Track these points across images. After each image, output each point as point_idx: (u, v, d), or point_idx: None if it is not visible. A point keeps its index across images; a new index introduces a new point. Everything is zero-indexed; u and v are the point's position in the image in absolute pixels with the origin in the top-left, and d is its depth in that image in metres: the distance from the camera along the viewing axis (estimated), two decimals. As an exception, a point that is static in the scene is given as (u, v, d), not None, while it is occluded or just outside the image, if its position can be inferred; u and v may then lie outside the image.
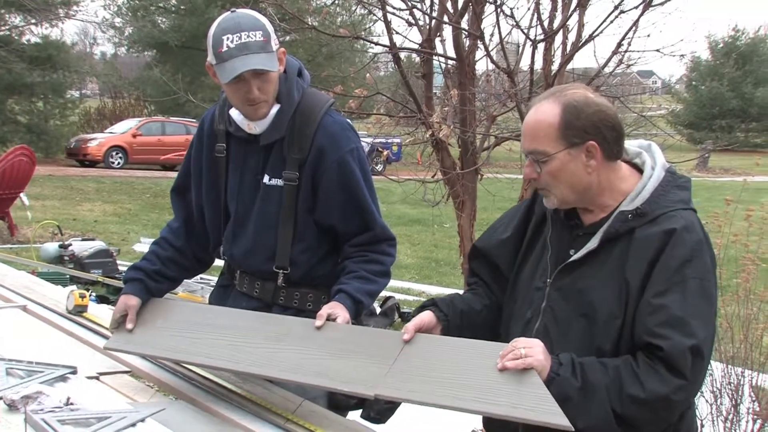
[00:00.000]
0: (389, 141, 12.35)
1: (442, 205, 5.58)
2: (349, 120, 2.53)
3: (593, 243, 1.91)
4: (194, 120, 23.48)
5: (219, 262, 2.68)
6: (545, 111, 1.90)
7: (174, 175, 2.72)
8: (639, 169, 1.99)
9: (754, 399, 3.81)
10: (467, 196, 5.02)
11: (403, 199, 11.52)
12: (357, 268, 2.39)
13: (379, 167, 14.21)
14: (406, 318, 6.16)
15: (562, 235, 2.00)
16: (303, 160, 2.38)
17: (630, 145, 1.99)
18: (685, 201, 1.93)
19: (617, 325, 1.86)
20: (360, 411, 2.37)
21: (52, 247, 7.83)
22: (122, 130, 23.22)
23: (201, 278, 6.97)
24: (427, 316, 2.06)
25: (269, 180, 2.42)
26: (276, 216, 2.41)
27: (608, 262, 1.89)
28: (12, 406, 1.86)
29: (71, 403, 1.89)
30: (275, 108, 2.37)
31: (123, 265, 7.72)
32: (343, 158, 2.38)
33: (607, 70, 5.19)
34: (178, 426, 1.93)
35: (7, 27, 22.70)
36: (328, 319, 2.19)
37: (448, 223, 12.65)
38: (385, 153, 9.19)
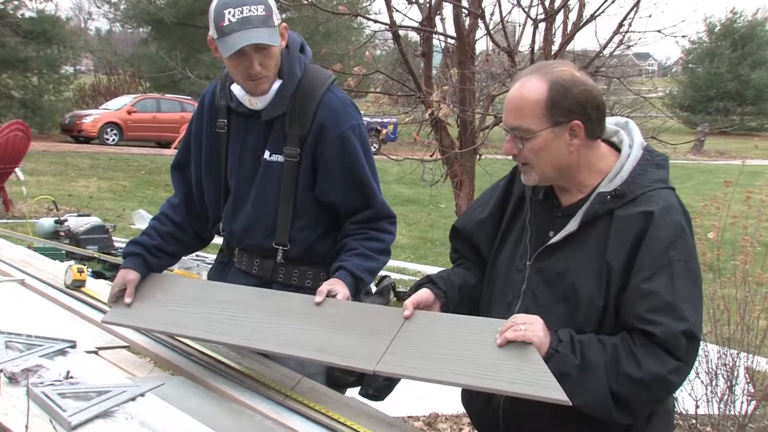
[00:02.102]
0: (385, 121, 12.33)
1: (438, 184, 5.58)
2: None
3: (572, 225, 1.91)
4: (190, 97, 23.42)
5: (218, 239, 2.68)
6: (531, 87, 1.88)
7: (169, 152, 2.71)
8: (616, 148, 1.98)
9: (749, 381, 3.84)
10: (465, 176, 5.02)
11: (399, 178, 11.51)
12: (357, 246, 2.39)
13: (374, 147, 14.14)
14: (401, 297, 6.18)
15: (541, 216, 2.00)
16: (304, 136, 2.37)
17: (607, 122, 1.97)
18: (663, 180, 1.92)
19: (598, 309, 1.85)
20: (358, 388, 2.39)
21: (47, 222, 7.78)
22: (117, 106, 23.11)
23: (197, 255, 6.95)
24: (425, 294, 2.06)
25: (270, 156, 2.41)
26: (276, 192, 2.41)
27: (588, 244, 1.89)
28: (12, 379, 1.86)
29: (71, 377, 1.89)
30: (277, 83, 2.36)
31: (119, 241, 7.69)
32: (344, 134, 2.38)
33: (606, 51, 5.17)
34: (176, 401, 1.93)
35: (2, 1, 22.51)
36: (327, 296, 2.19)
37: (444, 203, 12.66)
38: (384, 131, 9.16)
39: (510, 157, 1.98)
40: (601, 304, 1.85)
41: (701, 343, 1.89)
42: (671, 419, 2.03)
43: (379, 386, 2.36)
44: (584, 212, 1.90)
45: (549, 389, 1.73)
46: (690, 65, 38.95)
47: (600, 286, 1.85)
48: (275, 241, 2.43)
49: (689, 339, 1.79)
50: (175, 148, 18.19)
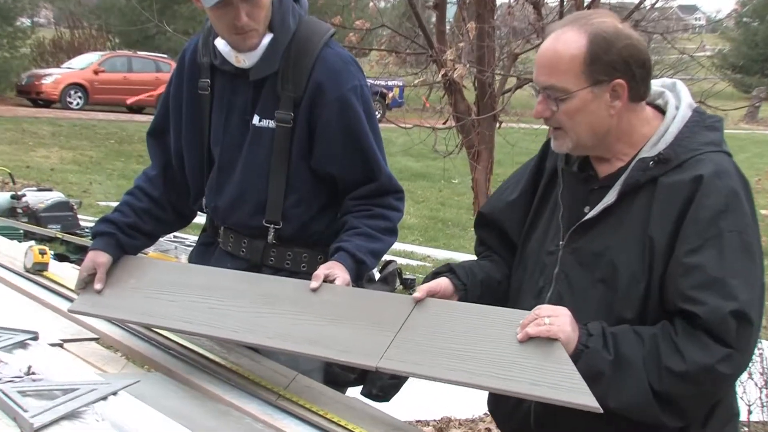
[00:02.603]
0: (390, 84, 12.31)
1: (451, 157, 5.57)
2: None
3: (610, 197, 1.91)
4: (166, 55, 23.36)
5: (200, 218, 2.70)
6: (569, 41, 1.87)
7: (142, 118, 2.73)
8: (662, 111, 1.97)
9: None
10: (483, 146, 5.02)
11: (406, 150, 11.47)
12: (359, 224, 2.40)
13: (378, 114, 14.05)
14: (409, 285, 6.22)
15: (575, 190, 2.00)
16: (299, 99, 2.38)
17: (653, 84, 1.97)
18: (716, 143, 1.90)
19: (641, 291, 1.86)
20: (361, 387, 2.41)
21: (2, 197, 7.79)
22: (82, 65, 23.06)
23: (175, 237, 6.98)
24: (443, 283, 2.07)
25: (259, 121, 2.41)
26: (266, 163, 2.42)
27: (629, 218, 1.89)
28: (-35, 375, 1.86)
29: (33, 373, 1.90)
30: (267, 38, 2.36)
31: (85, 220, 7.71)
32: (344, 96, 2.38)
33: (647, 2, 5.14)
34: (154, 400, 1.94)
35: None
36: (325, 281, 2.20)
37: (458, 178, 12.63)
38: (390, 95, 9.12)
39: (537, 124, 2.01)
40: (643, 285, 1.85)
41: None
42: (735, 424, 2.01)
43: (384, 385, 2.38)
44: (623, 181, 1.90)
45: (576, 393, 1.73)
46: (745, 19, 38.55)
47: (642, 266, 1.85)
48: (266, 219, 2.44)
49: (740, 321, 1.75)
50: (148, 113, 18.13)
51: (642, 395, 1.78)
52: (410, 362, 1.92)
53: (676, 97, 1.97)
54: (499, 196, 2.20)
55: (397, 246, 8.68)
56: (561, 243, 1.98)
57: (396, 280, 2.68)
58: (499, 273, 2.17)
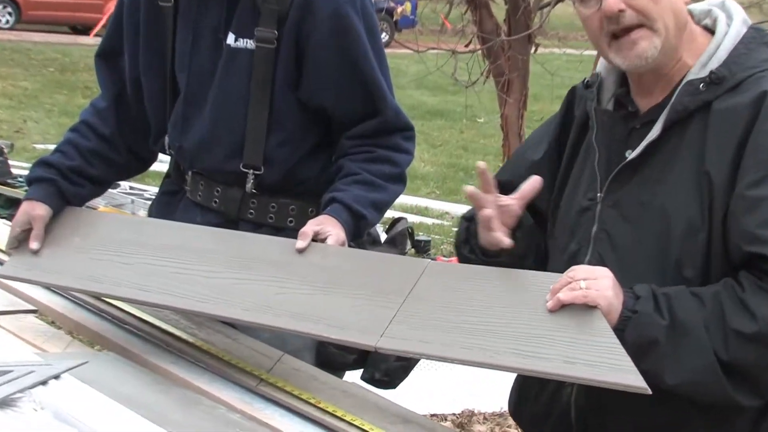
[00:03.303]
0: (397, -1, 12.20)
1: (475, 89, 5.54)
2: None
3: (655, 131, 1.94)
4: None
5: (161, 165, 2.74)
6: None
7: (90, 41, 2.72)
8: (710, 32, 2.01)
9: None
10: (515, 74, 5.00)
11: (419, 80, 11.39)
12: (359, 169, 2.42)
13: (385, 37, 14.05)
14: (422, 249, 6.22)
15: (613, 132, 2.04)
16: (284, 13, 2.38)
17: (696, 5, 2.01)
18: None
19: (701, 243, 1.88)
20: (361, 371, 2.46)
21: None
22: (12, -28, 22.85)
23: (131, 188, 6.98)
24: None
25: (235, 41, 2.42)
26: (244, 92, 2.43)
27: (679, 155, 1.92)
28: None
29: (-45, 352, 1.92)
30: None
31: (18, 167, 7.71)
32: (340, 10, 2.39)
33: None
34: (105, 386, 1.95)
35: None
36: (315, 240, 2.22)
37: (484, 115, 12.59)
38: (400, 10, 9.02)
39: (583, 48, 2.02)
40: (703, 236, 1.87)
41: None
42: None
43: (390, 368, 2.42)
44: (669, 109, 1.92)
45: (620, 371, 1.74)
46: None
47: (700, 211, 1.88)
48: (243, 163, 2.45)
49: None
50: (97, 35, 18.02)
51: (706, 366, 1.79)
52: (417, 340, 1.94)
53: (727, 14, 1.99)
54: (518, 160, 2.24)
55: (408, 200, 8.69)
56: (599, 195, 2.01)
57: (406, 242, 2.70)
58: (540, 235, 2.20)
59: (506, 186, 2.15)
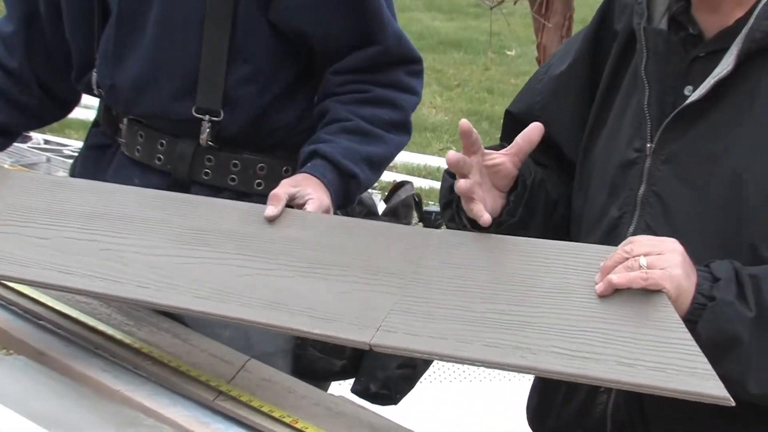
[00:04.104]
0: None
1: (503, 11, 5.54)
2: None
3: (725, 65, 1.96)
4: None
5: (86, 113, 2.77)
6: None
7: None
8: None
9: None
10: (556, -8, 5.01)
11: (429, 2, 11.35)
12: (349, 114, 2.45)
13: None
14: (433, 221, 6.25)
15: (668, 60, 2.06)
16: None
17: None
18: None
19: None
20: (352, 382, 2.50)
21: None
22: None
23: (46, 141, 6.96)
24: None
25: (184, -57, 2.43)
26: (197, 13, 2.44)
27: (758, 97, 1.94)
28: None
29: None
30: None
31: None
32: None
33: None
34: (13, 398, 1.96)
35: None
36: (290, 206, 2.25)
37: (515, 47, 12.59)
38: None
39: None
40: None
41: None
42: None
43: (390, 377, 2.45)
44: (746, 36, 1.93)
45: (692, 376, 1.72)
46: None
47: None
48: (197, 105, 2.47)
49: None
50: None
51: None
52: (426, 335, 1.92)
53: None
54: (537, 83, 2.29)
55: (414, 158, 8.72)
56: (649, 146, 2.04)
57: (411, 214, 2.77)
58: (555, 191, 2.24)
59: (519, 120, 2.23)
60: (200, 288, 2.11)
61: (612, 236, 2.03)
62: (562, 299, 1.90)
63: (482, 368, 2.11)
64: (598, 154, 2.16)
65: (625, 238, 1.96)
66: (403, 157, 6.75)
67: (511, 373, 1.96)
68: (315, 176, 2.35)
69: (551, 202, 2.22)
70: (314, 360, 2.45)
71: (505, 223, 2.11)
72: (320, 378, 2.44)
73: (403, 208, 2.67)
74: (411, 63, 2.54)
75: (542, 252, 2.02)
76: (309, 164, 2.38)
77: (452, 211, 2.19)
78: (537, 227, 2.17)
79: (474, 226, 2.10)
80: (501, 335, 1.87)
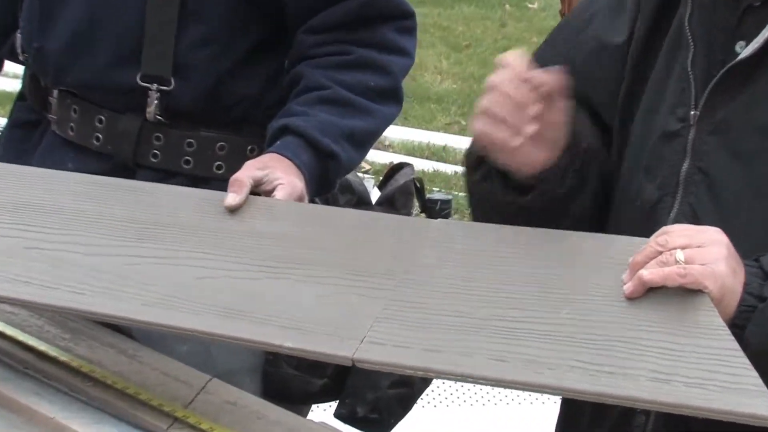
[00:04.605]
0: None
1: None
2: None
3: None
4: None
5: (9, 83, 2.72)
6: None
7: None
8: None
9: None
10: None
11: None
12: (326, 80, 2.47)
13: None
14: (438, 211, 6.29)
15: (716, 13, 2.07)
16: None
17: None
18: None
19: None
20: (335, 405, 2.48)
21: None
22: None
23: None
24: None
25: None
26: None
27: None
28: None
29: None
30: None
31: None
32: None
33: None
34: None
35: None
36: (256, 192, 2.25)
37: (537, -2, 12.70)
38: None
39: None
40: None
41: None
42: None
43: (380, 399, 2.43)
44: None
45: (741, 394, 1.70)
46: None
47: None
48: (142, 72, 2.48)
49: None
50: None
51: None
52: (418, 348, 1.89)
53: None
54: (561, 37, 2.31)
55: (415, 135, 8.73)
56: (693, 114, 2.06)
57: (412, 202, 2.78)
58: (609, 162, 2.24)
59: None
60: (148, 294, 2.09)
61: (650, 222, 2.01)
62: (585, 302, 1.89)
63: (489, 387, 2.08)
64: (636, 124, 2.16)
65: (665, 224, 1.97)
66: (402, 133, 6.76)
67: (524, 393, 1.92)
68: (286, 156, 2.35)
69: (606, 173, 2.22)
70: (289, 379, 2.44)
71: (549, 193, 2.07)
72: (297, 400, 2.44)
73: (402, 195, 2.68)
74: (401, 18, 2.53)
75: (560, 246, 2.02)
76: (279, 142, 2.39)
77: (484, 169, 2.15)
78: (585, 204, 2.16)
79: (509, 184, 2.09)
80: (511, 347, 1.84)
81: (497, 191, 2.12)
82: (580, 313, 1.86)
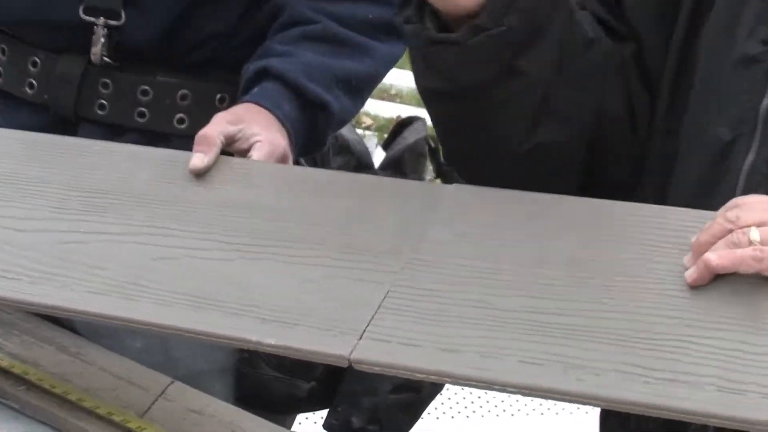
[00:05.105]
0: None
1: None
2: None
3: None
4: None
5: None
6: None
7: None
8: None
9: None
10: None
11: None
12: (312, 13, 2.50)
13: None
14: (453, 175, 6.40)
15: None
16: None
17: None
18: None
19: None
20: (325, 414, 2.50)
21: None
22: None
23: None
24: None
25: None
26: None
27: None
28: None
29: None
30: None
31: None
32: None
33: None
34: None
35: None
36: (227, 152, 2.24)
37: None
38: None
39: None
40: None
41: None
42: None
43: (380, 407, 2.42)
44: None
45: None
46: None
47: None
48: (86, 4, 2.49)
49: None
50: None
51: None
52: (429, 346, 1.85)
53: None
54: None
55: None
56: None
57: (425, 165, 2.79)
58: (591, 29, 2.19)
59: None
60: (95, 279, 2.06)
61: (720, 171, 1.99)
62: (636, 291, 1.83)
63: (516, 396, 2.07)
64: (702, 51, 2.13)
65: (739, 171, 1.96)
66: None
67: (559, 404, 1.88)
68: (265, 107, 2.33)
69: (582, 40, 2.16)
70: (269, 382, 2.43)
71: (484, 31, 1.97)
72: (278, 408, 2.44)
73: (411, 156, 2.69)
74: None
75: (608, 219, 1.96)
76: (256, 89, 2.38)
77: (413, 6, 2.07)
78: (543, 67, 2.07)
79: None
80: (546, 346, 1.79)
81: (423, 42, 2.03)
82: (631, 305, 1.81)
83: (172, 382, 2.24)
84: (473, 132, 2.11)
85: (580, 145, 2.15)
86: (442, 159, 2.76)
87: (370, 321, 1.88)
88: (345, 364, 1.86)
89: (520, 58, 2.01)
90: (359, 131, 2.51)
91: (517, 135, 2.08)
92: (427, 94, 2.14)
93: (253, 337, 1.93)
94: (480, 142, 2.11)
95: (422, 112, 3.22)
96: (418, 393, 2.39)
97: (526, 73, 2.03)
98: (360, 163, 2.59)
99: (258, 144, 2.24)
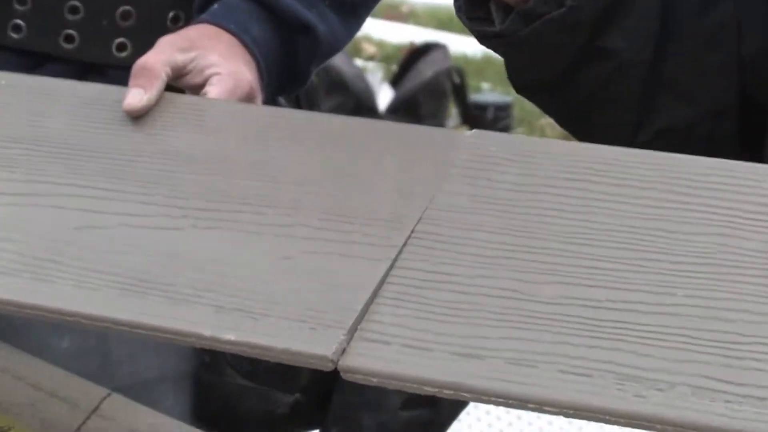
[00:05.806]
0: None
1: None
2: None
3: None
4: None
5: None
6: None
7: None
8: None
9: None
10: None
11: None
12: None
13: None
14: (485, 120, 6.42)
15: None
16: None
17: None
18: None
19: None
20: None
21: None
22: None
23: None
24: None
25: None
26: None
27: None
28: None
29: None
30: None
31: None
32: None
33: None
34: None
35: None
36: (175, 88, 2.24)
37: None
38: None
39: None
40: None
41: None
42: None
43: (387, 426, 2.40)
44: None
45: None
46: None
47: None
48: None
49: None
50: None
51: None
52: (443, 350, 1.79)
53: None
54: None
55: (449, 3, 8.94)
56: None
57: (446, 107, 2.59)
58: None
59: None
60: (3, 255, 2.03)
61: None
62: (716, 280, 1.77)
63: (557, 418, 2.01)
64: None
65: None
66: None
67: (611, 427, 1.80)
68: (227, 30, 2.30)
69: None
70: (238, 394, 2.40)
71: (538, 18, 2.01)
72: (252, 429, 2.42)
73: (429, 96, 2.69)
74: None
75: (680, 181, 1.90)
76: (216, 5, 2.36)
77: None
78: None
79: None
80: (595, 352, 1.74)
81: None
82: (709, 296, 1.75)
83: (108, 395, 2.21)
84: (586, 123, 2.16)
85: (727, 117, 2.16)
86: (470, 98, 2.73)
87: (363, 313, 1.83)
88: (329, 368, 1.80)
89: (602, 38, 2.04)
90: (359, 62, 2.47)
91: (630, 122, 2.12)
92: (516, 87, 2.18)
93: (207, 332, 1.89)
94: (597, 133, 2.10)
95: (443, 37, 3.14)
96: (435, 410, 2.35)
97: (616, 53, 2.06)
98: (359, 104, 2.57)
99: (216, 77, 2.22)
